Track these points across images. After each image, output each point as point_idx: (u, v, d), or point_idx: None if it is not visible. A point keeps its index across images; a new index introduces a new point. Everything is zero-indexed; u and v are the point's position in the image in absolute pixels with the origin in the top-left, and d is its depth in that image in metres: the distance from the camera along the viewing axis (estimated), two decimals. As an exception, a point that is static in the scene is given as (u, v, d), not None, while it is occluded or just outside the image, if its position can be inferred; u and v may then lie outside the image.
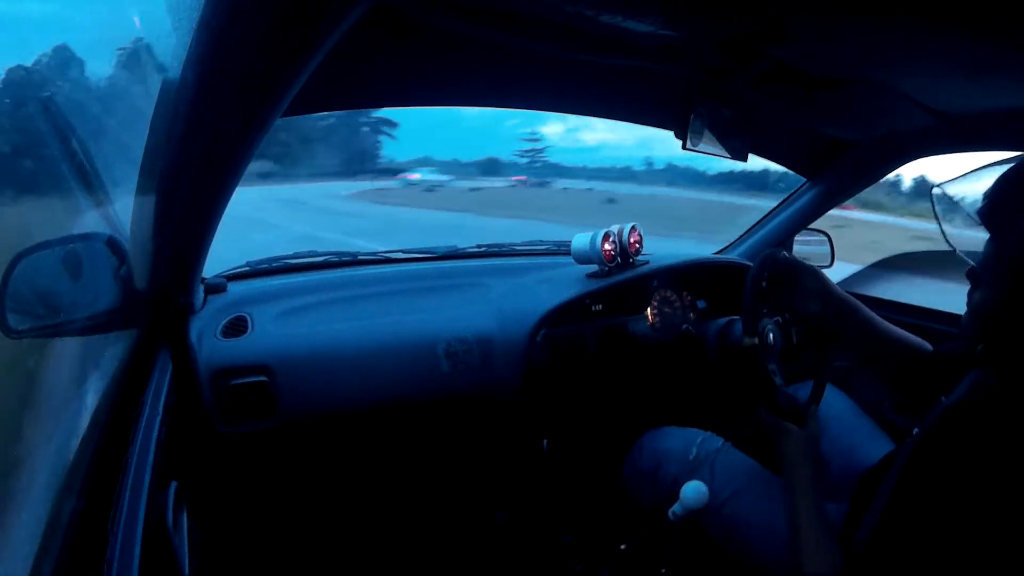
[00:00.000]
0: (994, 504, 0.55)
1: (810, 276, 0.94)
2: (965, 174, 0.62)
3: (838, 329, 0.95)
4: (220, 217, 0.76)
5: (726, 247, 1.59)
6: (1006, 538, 0.55)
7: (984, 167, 0.60)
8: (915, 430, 0.73)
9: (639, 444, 1.06)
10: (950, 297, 1.34)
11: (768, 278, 0.93)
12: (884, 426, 1.04)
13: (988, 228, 0.59)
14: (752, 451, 0.97)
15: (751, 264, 0.92)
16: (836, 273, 1.49)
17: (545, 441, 1.19)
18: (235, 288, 1.06)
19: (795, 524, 0.76)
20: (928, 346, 0.90)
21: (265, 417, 0.95)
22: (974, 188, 0.59)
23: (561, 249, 1.40)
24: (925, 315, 1.33)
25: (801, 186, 1.45)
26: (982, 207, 0.59)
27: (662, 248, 1.36)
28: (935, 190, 0.64)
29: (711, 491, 0.85)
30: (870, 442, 0.99)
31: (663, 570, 0.95)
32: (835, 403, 1.02)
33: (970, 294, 0.64)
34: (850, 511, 0.80)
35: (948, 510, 0.57)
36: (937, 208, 0.63)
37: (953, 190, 0.63)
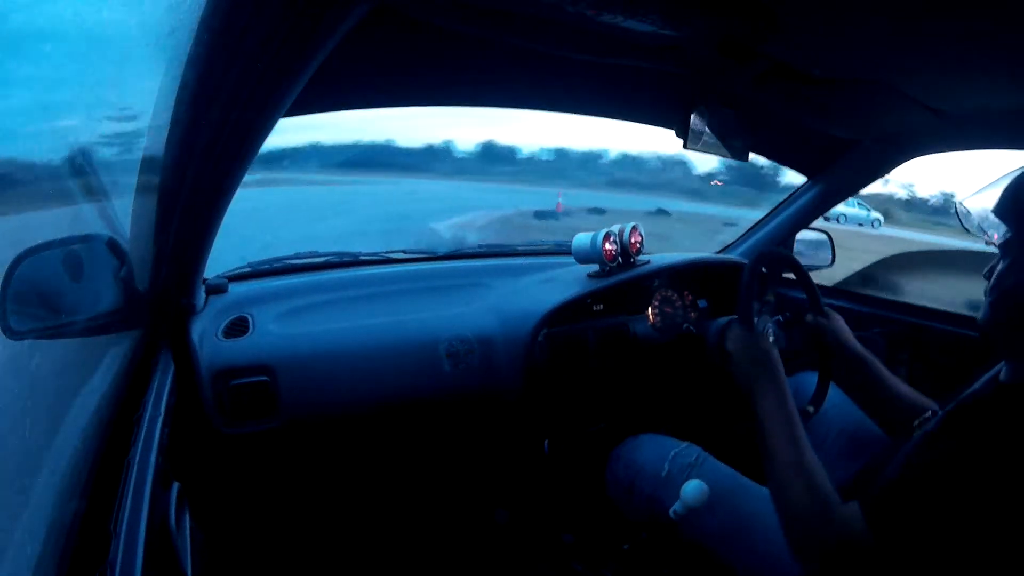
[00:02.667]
0: (995, 503, 0.55)
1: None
2: (980, 189, 0.69)
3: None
4: (221, 218, 0.76)
5: (727, 246, 1.59)
6: (1002, 538, 0.55)
7: (994, 181, 0.67)
8: (917, 425, 0.73)
9: (615, 454, 1.06)
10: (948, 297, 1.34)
11: (767, 275, 0.93)
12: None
13: (1006, 222, 0.64)
14: (732, 459, 0.97)
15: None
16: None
17: (546, 441, 1.19)
18: (236, 289, 1.06)
19: (770, 469, 0.70)
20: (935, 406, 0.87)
21: (266, 417, 0.95)
22: (990, 196, 0.66)
23: (562, 249, 1.40)
24: (932, 316, 1.33)
25: (802, 185, 1.45)
26: (997, 206, 0.64)
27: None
28: (959, 206, 0.71)
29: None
30: (866, 441, 0.99)
31: (665, 571, 0.95)
32: (832, 400, 1.02)
33: (993, 285, 0.65)
34: None
35: (948, 509, 0.57)
36: (963, 220, 0.71)
37: (971, 203, 0.70)
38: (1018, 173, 0.64)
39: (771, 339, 0.96)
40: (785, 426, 0.72)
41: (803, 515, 0.65)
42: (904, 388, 0.90)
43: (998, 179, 0.66)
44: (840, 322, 0.96)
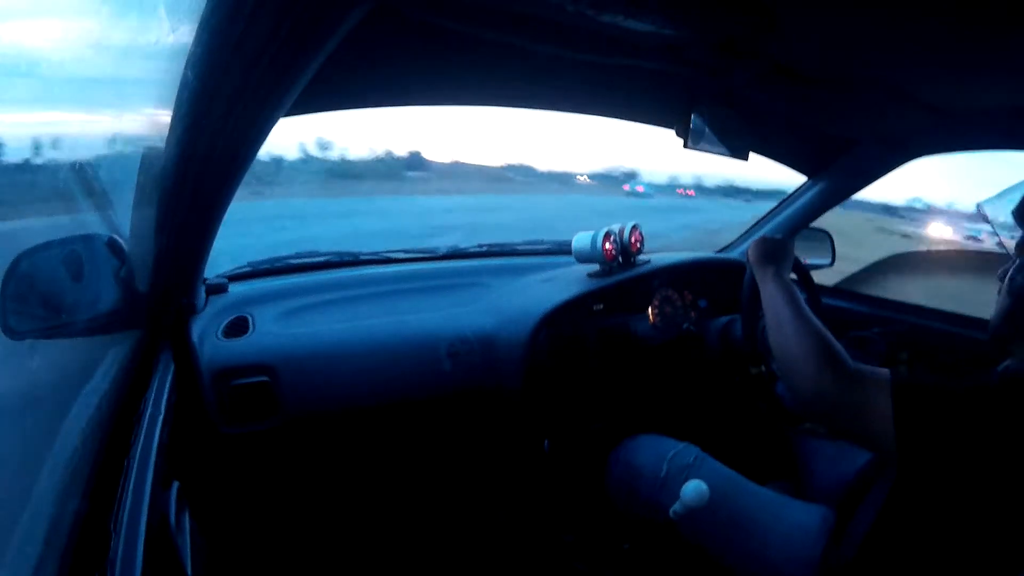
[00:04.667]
0: (993, 495, 0.55)
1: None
2: (1000, 193, 0.71)
3: None
4: (222, 218, 0.76)
5: (727, 246, 1.59)
6: (1000, 530, 0.55)
7: (1014, 186, 0.69)
8: None
9: (614, 456, 1.06)
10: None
11: None
12: None
13: (1022, 222, 0.66)
14: (731, 460, 0.97)
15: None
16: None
17: (547, 440, 1.19)
18: (236, 288, 1.06)
19: (777, 337, 0.72)
20: None
21: (267, 417, 0.95)
22: (1009, 200, 0.67)
23: (562, 248, 1.40)
24: (932, 316, 1.33)
25: (802, 185, 1.45)
26: (1017, 209, 0.65)
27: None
28: (979, 208, 0.73)
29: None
30: (856, 447, 0.98)
31: (665, 571, 0.95)
32: None
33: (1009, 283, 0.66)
34: (839, 515, 0.79)
35: (948, 503, 0.57)
36: (983, 220, 0.73)
37: (991, 206, 0.71)
38: None
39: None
40: (787, 297, 0.75)
41: (812, 357, 0.65)
42: None
43: (1018, 183, 0.68)
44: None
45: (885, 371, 0.61)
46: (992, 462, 0.55)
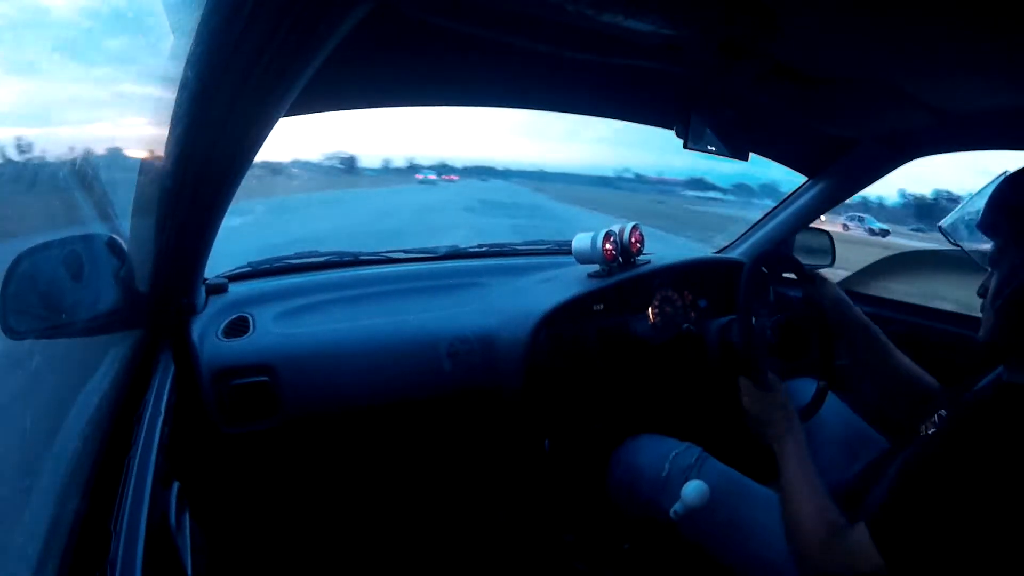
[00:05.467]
0: (1002, 504, 0.55)
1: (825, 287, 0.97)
2: (958, 209, 0.71)
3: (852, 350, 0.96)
4: (222, 218, 0.76)
5: (727, 246, 1.59)
6: (1009, 537, 0.55)
7: (971, 199, 0.69)
8: (924, 429, 0.73)
9: (616, 455, 1.06)
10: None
11: (767, 275, 0.93)
12: (877, 427, 1.03)
13: (990, 232, 0.65)
14: (733, 460, 0.96)
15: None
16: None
17: (547, 440, 1.19)
18: (236, 288, 1.06)
19: (785, 494, 0.74)
20: (935, 383, 0.91)
21: (267, 417, 0.95)
22: (970, 209, 0.67)
23: (562, 249, 1.41)
24: (936, 316, 1.33)
25: (802, 185, 1.45)
26: (981, 221, 0.65)
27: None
28: (942, 225, 0.73)
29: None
30: (863, 446, 0.98)
31: (665, 571, 0.95)
32: (828, 406, 1.01)
33: (992, 294, 0.65)
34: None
35: (953, 508, 0.57)
36: (950, 237, 0.73)
37: (951, 223, 0.72)
38: (993, 187, 0.64)
39: (768, 338, 0.96)
40: (803, 474, 0.74)
41: (815, 543, 0.67)
42: (906, 360, 0.93)
43: (973, 196, 0.68)
44: (835, 288, 0.97)
45: (865, 534, 0.61)
46: (996, 480, 0.55)
